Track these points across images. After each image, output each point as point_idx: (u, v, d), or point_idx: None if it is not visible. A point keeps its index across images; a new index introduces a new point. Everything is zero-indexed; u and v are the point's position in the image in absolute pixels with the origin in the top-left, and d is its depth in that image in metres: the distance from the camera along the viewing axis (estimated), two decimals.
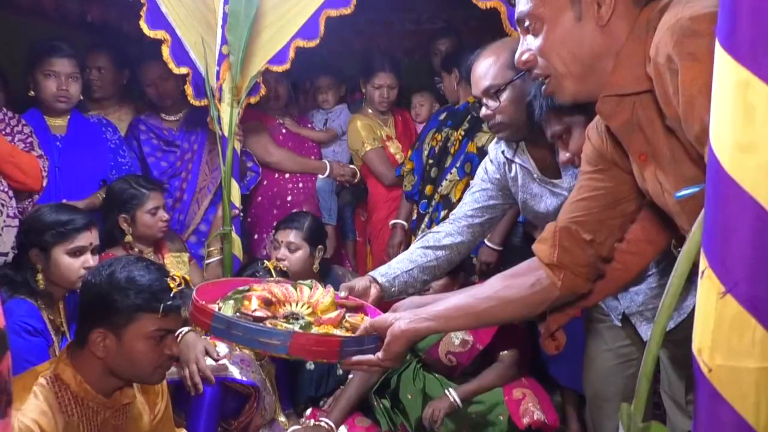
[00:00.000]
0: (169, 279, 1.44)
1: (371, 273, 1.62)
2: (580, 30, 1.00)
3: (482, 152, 2.69)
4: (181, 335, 2.02)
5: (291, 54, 2.50)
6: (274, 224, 2.86)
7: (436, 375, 2.46)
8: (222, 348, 1.99)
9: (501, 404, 2.33)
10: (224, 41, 2.48)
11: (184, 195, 2.73)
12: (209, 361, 1.94)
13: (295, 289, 1.34)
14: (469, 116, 2.73)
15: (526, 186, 1.69)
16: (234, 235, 2.59)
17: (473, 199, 1.78)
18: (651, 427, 0.75)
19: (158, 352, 1.42)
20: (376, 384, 2.44)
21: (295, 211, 2.67)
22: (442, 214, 2.72)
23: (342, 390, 2.40)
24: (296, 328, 1.20)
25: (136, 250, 2.35)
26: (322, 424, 2.22)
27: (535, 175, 1.66)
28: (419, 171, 2.81)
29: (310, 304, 1.31)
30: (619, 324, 1.66)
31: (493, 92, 1.57)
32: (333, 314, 1.28)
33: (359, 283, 1.51)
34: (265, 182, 2.96)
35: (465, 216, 1.76)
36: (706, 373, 0.71)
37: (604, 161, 1.13)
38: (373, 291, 1.53)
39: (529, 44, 1.06)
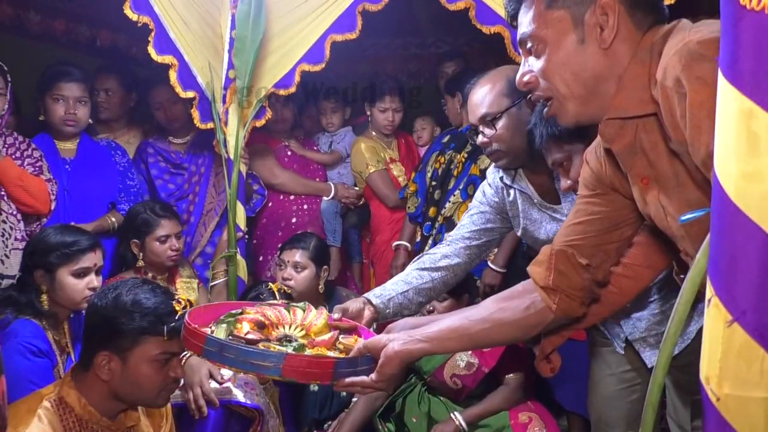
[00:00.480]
0: (174, 302, 1.44)
1: (366, 294, 1.60)
2: (583, 52, 1.00)
3: (485, 174, 2.71)
4: (185, 359, 2.01)
5: (296, 78, 2.52)
6: (279, 246, 2.88)
7: (441, 398, 2.44)
8: (226, 371, 1.99)
9: (507, 428, 2.31)
10: (231, 66, 2.51)
11: (191, 218, 2.74)
12: (213, 385, 1.93)
13: (289, 311, 1.34)
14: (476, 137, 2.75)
15: (526, 212, 1.68)
16: (239, 257, 2.60)
17: (471, 221, 1.77)
18: None
19: (163, 375, 1.41)
20: (381, 407, 2.42)
21: (300, 232, 2.67)
22: (446, 236, 2.72)
23: (346, 413, 2.38)
24: (289, 350, 1.19)
25: (150, 275, 2.36)
26: None
27: (535, 201, 1.65)
28: (422, 193, 2.81)
29: (303, 327, 1.30)
30: (622, 351, 1.65)
31: (489, 120, 1.56)
32: (326, 336, 1.28)
33: (353, 305, 1.50)
34: (270, 204, 2.97)
35: (462, 238, 1.76)
36: (714, 402, 0.70)
37: (602, 185, 1.14)
38: (367, 313, 1.51)
39: (531, 66, 1.06)
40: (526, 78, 1.06)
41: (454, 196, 2.71)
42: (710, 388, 0.71)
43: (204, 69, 2.48)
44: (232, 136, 2.55)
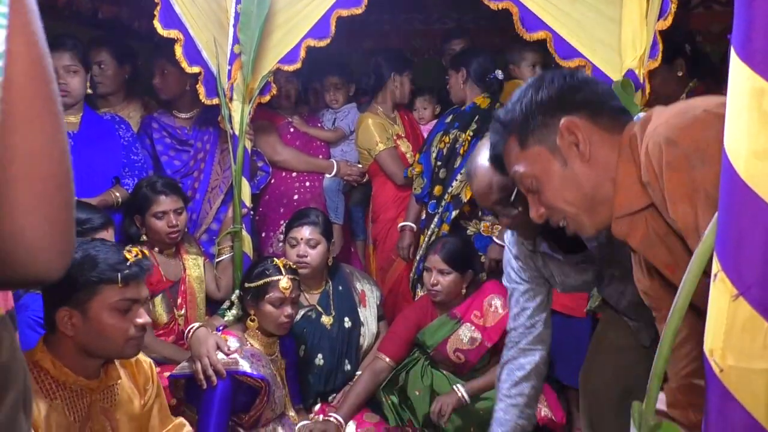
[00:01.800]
0: (125, 252, 1.47)
1: None
2: (570, 173, 1.08)
3: None
4: (192, 331, 2.04)
5: (302, 53, 2.51)
6: (282, 223, 2.89)
7: (444, 372, 2.48)
8: (233, 342, 2.02)
9: None
10: (236, 41, 2.50)
11: (196, 194, 2.75)
12: (220, 356, 1.96)
13: None
14: (477, 116, 2.75)
15: (557, 269, 1.65)
16: (244, 233, 2.62)
17: (526, 305, 1.72)
18: (662, 426, 0.77)
19: (126, 324, 1.43)
20: (385, 380, 2.47)
21: (302, 208, 2.67)
22: (453, 214, 2.74)
23: (351, 386, 2.42)
24: None
25: (155, 250, 2.38)
26: (331, 419, 2.25)
27: (561, 259, 1.61)
28: (428, 173, 2.82)
29: None
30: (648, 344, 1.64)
31: (507, 200, 1.46)
32: None
33: None
34: (272, 181, 2.97)
35: (528, 327, 1.73)
36: (717, 374, 0.73)
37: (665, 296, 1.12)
38: None
39: (535, 201, 1.14)
40: (539, 213, 1.14)
41: (461, 174, 2.71)
42: (714, 360, 0.74)
43: (209, 44, 2.46)
44: (237, 112, 2.55)
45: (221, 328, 2.15)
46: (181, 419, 1.71)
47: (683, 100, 1.03)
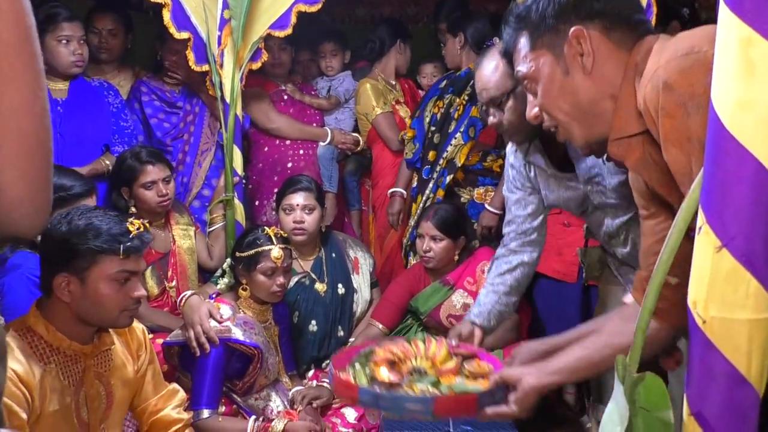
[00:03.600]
0: (128, 224, 1.47)
1: (468, 317, 1.84)
2: (570, 82, 1.08)
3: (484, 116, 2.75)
4: (185, 298, 2.05)
5: (293, 19, 2.47)
6: (275, 191, 2.88)
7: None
8: (225, 310, 2.02)
9: None
10: (225, 5, 2.46)
11: (186, 157, 2.72)
12: (213, 323, 1.97)
13: (410, 344, 1.45)
14: (472, 81, 2.73)
15: (545, 183, 1.71)
16: (236, 201, 2.61)
17: (517, 212, 1.81)
18: (645, 378, 0.78)
19: (123, 295, 1.44)
20: None
21: (294, 175, 2.65)
22: (448, 179, 2.74)
23: None
24: (428, 386, 1.29)
25: (145, 221, 2.36)
26: (325, 384, 2.27)
27: (549, 172, 1.66)
28: (420, 138, 2.81)
29: (428, 358, 1.40)
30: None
31: (497, 103, 1.58)
32: (451, 364, 1.38)
33: (463, 329, 1.75)
34: (266, 149, 2.95)
35: (519, 233, 1.82)
36: (700, 325, 0.74)
37: (656, 203, 1.14)
38: (477, 332, 1.74)
39: (534, 101, 1.15)
40: (534, 113, 1.16)
41: (456, 138, 2.72)
42: (697, 312, 0.74)
43: (198, 9, 2.42)
44: (228, 78, 2.52)
45: (214, 295, 2.15)
46: (174, 385, 1.72)
47: (690, 33, 0.99)
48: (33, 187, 0.59)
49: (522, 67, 1.14)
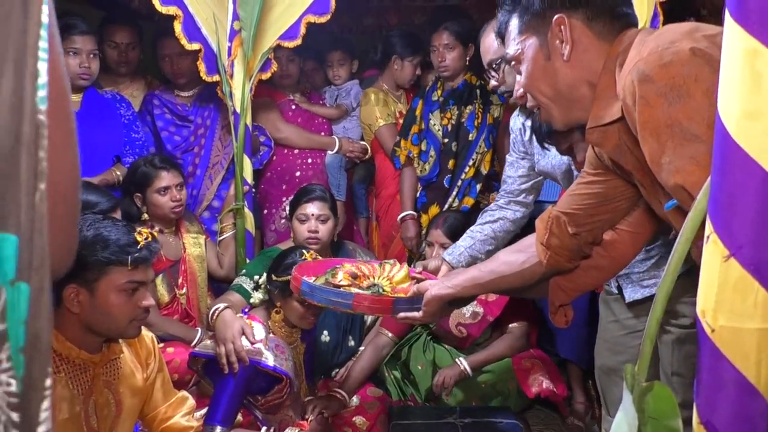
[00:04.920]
0: (136, 234, 1.48)
1: (442, 254, 2.00)
2: (551, 66, 1.13)
3: (496, 122, 2.81)
4: (218, 312, 2.01)
5: (302, 30, 2.50)
6: (284, 200, 2.89)
7: (446, 346, 2.51)
8: (259, 330, 1.97)
9: (510, 373, 2.38)
10: (236, 17, 2.49)
11: (197, 170, 2.75)
12: (245, 342, 1.92)
13: (381, 267, 1.67)
14: (479, 91, 2.76)
15: (538, 147, 1.82)
16: (246, 210, 2.63)
17: (511, 172, 2.01)
18: (654, 387, 0.78)
19: (132, 305, 1.45)
20: (388, 355, 2.50)
21: (305, 185, 2.67)
22: (478, 187, 2.78)
23: (354, 361, 2.45)
24: (368, 293, 1.54)
25: (156, 229, 2.38)
26: (336, 394, 2.27)
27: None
28: (437, 151, 2.81)
29: (389, 278, 1.61)
30: (615, 291, 1.70)
31: (496, 65, 1.76)
32: (405, 285, 1.61)
33: (432, 263, 1.84)
34: (274, 158, 2.97)
35: (507, 192, 2.02)
36: (709, 334, 0.74)
37: (602, 167, 1.22)
38: (444, 268, 1.80)
39: (520, 81, 1.21)
40: (519, 92, 1.23)
41: (480, 146, 2.78)
42: (706, 321, 0.74)
43: (209, 20, 2.45)
44: (238, 88, 2.54)
45: (246, 310, 2.11)
46: (183, 393, 1.73)
47: (671, 28, 1.02)
48: (69, 239, 0.60)
49: (510, 49, 1.20)
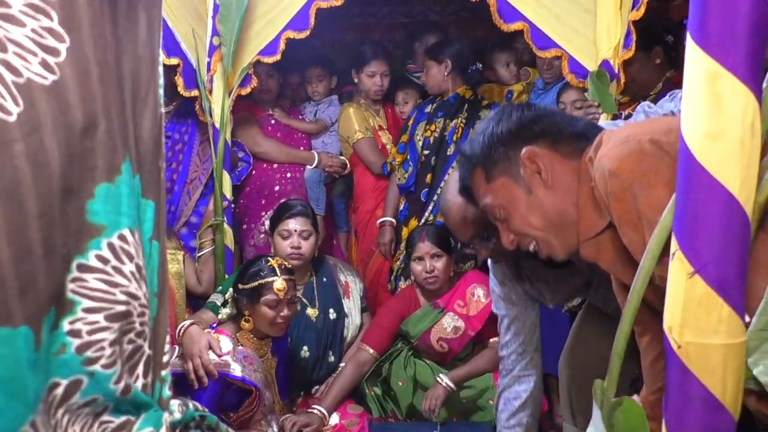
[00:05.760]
0: None
1: None
2: (535, 199, 1.12)
3: None
4: (184, 329, 2.00)
5: (281, 45, 2.51)
6: (263, 214, 2.88)
7: (427, 362, 2.50)
8: (225, 343, 1.98)
9: (491, 389, 2.37)
10: (215, 32, 2.49)
11: (174, 186, 2.73)
12: (212, 356, 1.92)
13: None
14: (466, 105, 2.79)
15: (545, 286, 1.67)
16: (226, 226, 2.61)
17: (514, 336, 1.77)
18: (623, 402, 0.79)
19: None
20: (368, 372, 2.48)
21: (286, 200, 2.66)
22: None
23: (334, 378, 2.43)
24: None
25: None
26: (315, 411, 2.25)
27: (548, 272, 1.62)
28: (414, 161, 2.83)
29: None
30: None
31: (483, 236, 1.52)
32: None
33: None
34: (253, 172, 2.96)
35: (519, 356, 1.79)
36: (675, 350, 0.75)
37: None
38: None
39: (506, 229, 1.18)
40: (511, 240, 1.19)
41: (456, 162, 2.75)
42: (672, 337, 0.76)
43: (188, 35, 2.45)
44: (218, 104, 2.54)
45: (214, 325, 2.11)
46: None
47: (630, 125, 1.06)
48: None
49: (486, 199, 1.18)
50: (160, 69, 0.75)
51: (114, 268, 0.64)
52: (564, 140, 1.12)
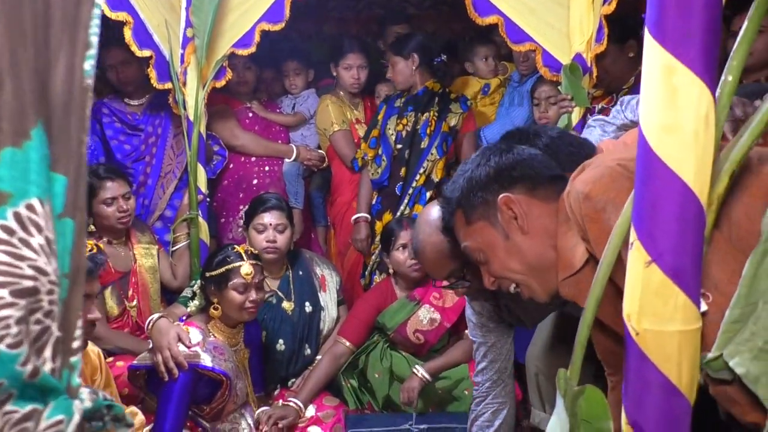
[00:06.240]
0: None
1: None
2: (513, 244, 1.13)
3: (453, 131, 2.82)
4: (152, 322, 2.01)
5: (256, 37, 2.49)
6: (241, 208, 2.86)
7: (403, 353, 2.51)
8: (195, 334, 1.99)
9: (466, 379, 2.40)
10: (189, 24, 2.46)
11: (148, 180, 2.70)
12: (182, 348, 1.93)
13: None
14: (437, 98, 2.80)
15: (523, 311, 1.68)
16: (201, 219, 2.59)
17: (490, 363, 1.79)
18: (585, 391, 0.80)
19: None
20: (345, 364, 2.49)
21: (261, 194, 2.65)
22: (428, 194, 2.78)
23: (311, 370, 2.44)
24: None
25: (104, 240, 2.33)
26: (291, 404, 2.26)
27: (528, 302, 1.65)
28: (388, 156, 2.83)
29: None
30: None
31: (459, 279, 1.51)
32: None
33: None
34: (231, 165, 2.95)
35: (493, 384, 1.80)
36: (634, 337, 0.77)
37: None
38: None
39: (487, 272, 1.19)
40: (492, 285, 1.20)
41: (432, 154, 2.79)
42: (631, 325, 0.78)
43: (160, 27, 2.42)
44: (191, 96, 2.51)
45: (184, 318, 2.11)
46: (132, 408, 1.70)
47: (600, 155, 1.07)
48: None
49: (466, 242, 1.19)
50: (89, 26, 0.64)
51: (21, 240, 0.59)
52: (542, 185, 1.13)
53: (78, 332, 0.62)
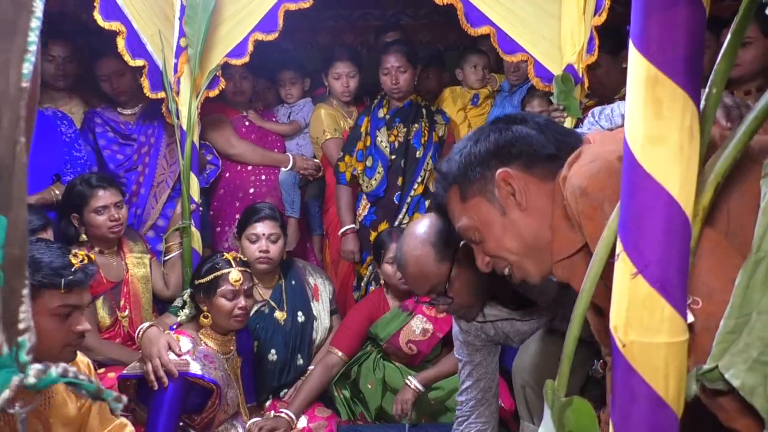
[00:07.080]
0: (71, 256, 1.44)
1: None
2: (509, 221, 1.11)
3: (441, 141, 2.86)
4: (143, 330, 2.00)
5: (250, 47, 2.49)
6: (237, 217, 2.86)
7: (396, 364, 2.51)
8: (185, 343, 1.98)
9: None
10: (182, 34, 2.46)
11: (141, 189, 2.69)
12: (172, 356, 1.92)
13: None
14: (425, 112, 2.84)
15: (511, 327, 1.70)
16: (193, 229, 2.58)
17: (475, 382, 1.80)
18: (573, 402, 0.80)
19: (65, 330, 1.40)
20: (337, 375, 2.48)
21: (253, 203, 2.64)
22: (426, 204, 2.80)
23: (303, 381, 2.42)
24: None
25: (96, 250, 2.31)
26: (282, 415, 2.24)
27: (517, 318, 1.65)
28: (384, 167, 2.84)
29: None
30: None
31: (441, 292, 1.48)
32: None
33: None
34: (227, 175, 2.95)
35: (477, 402, 1.81)
36: (620, 349, 0.76)
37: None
38: None
39: (481, 251, 1.17)
40: (486, 262, 1.17)
41: (427, 163, 2.83)
42: (618, 336, 0.77)
43: (154, 37, 2.42)
44: (185, 106, 2.51)
45: (174, 327, 2.11)
46: (122, 420, 1.67)
47: (599, 142, 1.06)
48: None
49: (461, 220, 1.17)
50: (27, 33, 0.66)
51: None
52: (539, 163, 1.12)
53: (23, 316, 0.65)
